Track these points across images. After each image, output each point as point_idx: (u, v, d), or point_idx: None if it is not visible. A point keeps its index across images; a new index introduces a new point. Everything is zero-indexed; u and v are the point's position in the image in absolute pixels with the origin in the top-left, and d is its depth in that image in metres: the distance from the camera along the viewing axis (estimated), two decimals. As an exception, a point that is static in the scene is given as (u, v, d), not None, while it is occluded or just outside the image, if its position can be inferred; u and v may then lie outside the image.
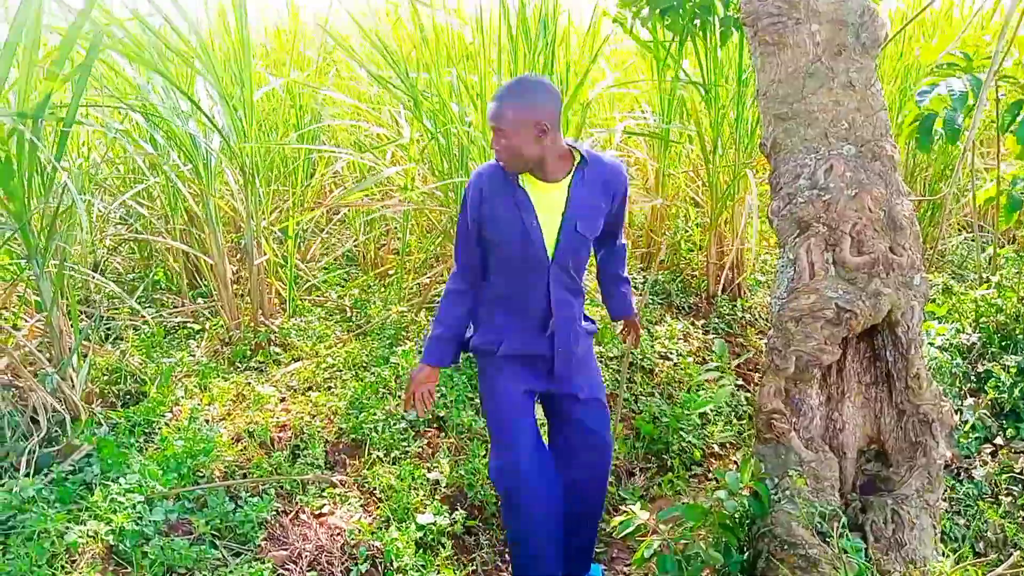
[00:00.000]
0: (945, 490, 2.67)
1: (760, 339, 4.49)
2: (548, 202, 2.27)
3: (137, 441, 2.89)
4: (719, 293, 4.83)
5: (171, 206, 4.39)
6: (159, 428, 3.00)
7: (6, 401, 2.71)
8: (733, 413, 3.86)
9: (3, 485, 2.42)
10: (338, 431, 3.18)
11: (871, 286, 2.29)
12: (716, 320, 4.63)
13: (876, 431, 2.49)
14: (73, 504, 2.45)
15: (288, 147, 4.67)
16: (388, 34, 5.06)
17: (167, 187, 4.32)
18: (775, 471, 2.40)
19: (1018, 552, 2.46)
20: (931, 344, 3.51)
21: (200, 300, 4.48)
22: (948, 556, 2.46)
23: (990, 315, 3.70)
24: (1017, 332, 3.56)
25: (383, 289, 4.57)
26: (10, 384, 2.78)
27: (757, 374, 4.09)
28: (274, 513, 2.66)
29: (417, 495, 2.86)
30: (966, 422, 3.22)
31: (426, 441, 3.24)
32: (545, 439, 2.64)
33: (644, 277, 4.80)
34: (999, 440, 3.22)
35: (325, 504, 2.81)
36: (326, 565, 2.55)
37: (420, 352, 3.70)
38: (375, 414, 3.20)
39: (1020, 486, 2.97)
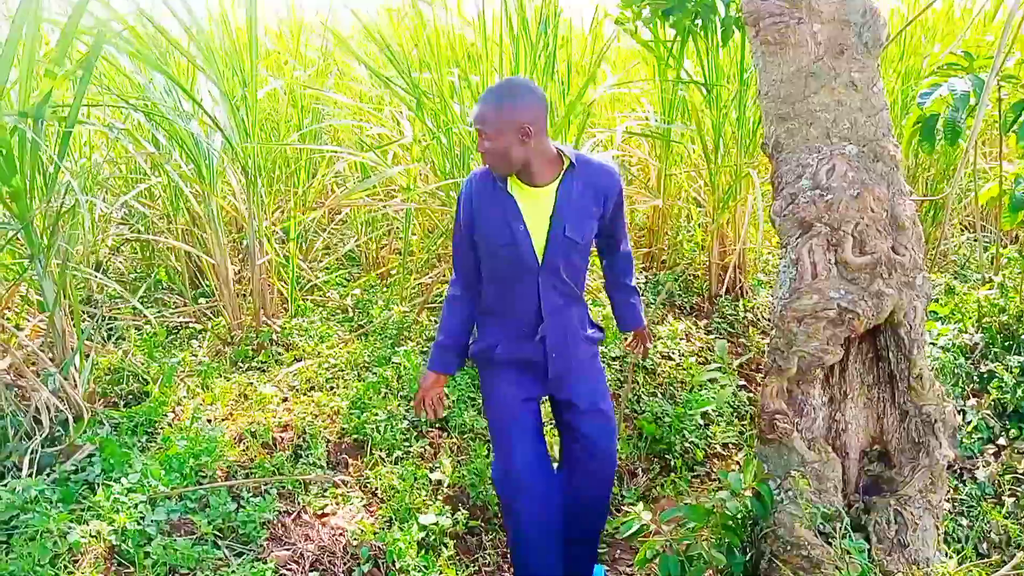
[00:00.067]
0: (948, 491, 2.66)
1: (762, 339, 4.49)
2: (536, 207, 2.26)
3: (139, 441, 2.89)
4: (721, 293, 4.83)
5: (173, 206, 4.40)
6: (161, 428, 3.01)
7: (9, 401, 2.71)
8: (735, 414, 3.86)
9: (6, 485, 2.42)
10: (340, 431, 3.18)
11: (873, 286, 2.29)
12: (718, 320, 4.63)
13: (879, 432, 2.49)
14: (75, 504, 2.45)
15: (290, 147, 4.68)
16: (390, 35, 5.06)
17: (169, 187, 4.32)
18: (778, 472, 2.40)
19: (1021, 553, 2.46)
20: (934, 344, 3.50)
21: (202, 300, 4.49)
22: (951, 557, 2.45)
23: (993, 315, 3.69)
24: (1020, 332, 3.56)
25: (385, 289, 4.57)
26: (13, 384, 2.78)
27: (759, 374, 4.09)
28: (276, 513, 2.66)
29: (419, 495, 2.86)
30: (969, 423, 3.22)
31: (428, 441, 3.24)
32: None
33: (647, 278, 4.80)
34: (1002, 441, 3.21)
35: (327, 504, 2.81)
36: (328, 565, 2.55)
37: (422, 352, 3.72)
38: (377, 414, 3.20)
39: (1023, 487, 2.97)
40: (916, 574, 2.28)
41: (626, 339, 2.85)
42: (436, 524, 2.73)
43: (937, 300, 4.01)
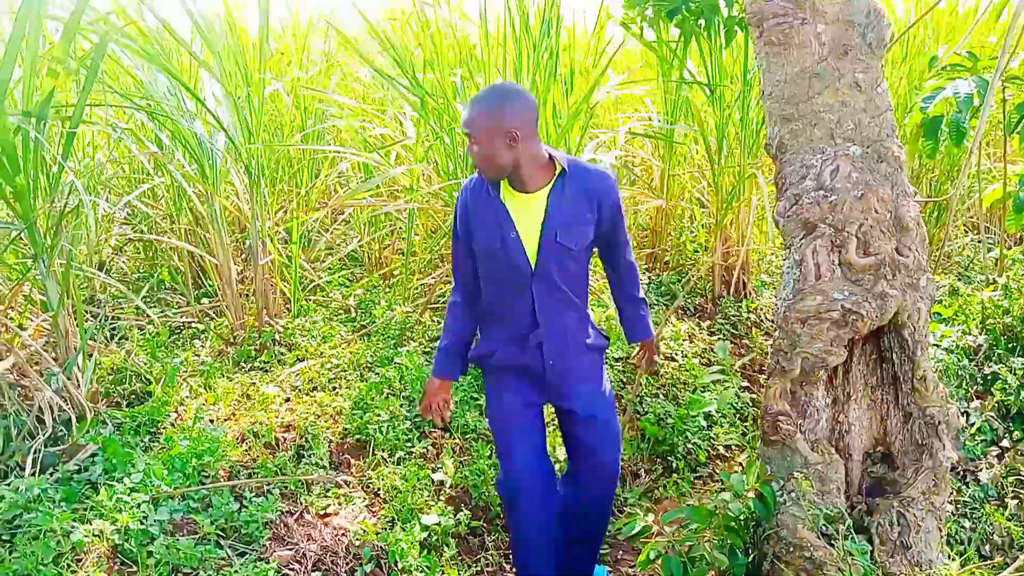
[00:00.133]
0: (951, 493, 2.66)
1: (766, 340, 4.48)
2: (527, 213, 2.26)
3: (142, 441, 2.89)
4: (724, 294, 4.82)
5: (176, 206, 4.41)
6: (164, 428, 3.01)
7: (12, 400, 2.72)
8: (738, 415, 3.85)
9: (9, 484, 2.43)
10: (343, 431, 3.18)
11: (877, 287, 2.29)
12: (721, 321, 4.62)
13: (882, 433, 2.48)
14: (78, 503, 2.46)
15: (293, 147, 4.68)
16: (393, 36, 5.06)
17: (172, 187, 4.33)
18: (780, 473, 2.40)
19: (1025, 555, 2.45)
20: (937, 346, 3.50)
21: (205, 300, 4.49)
22: (954, 559, 2.44)
23: (997, 317, 3.68)
24: (1024, 334, 3.55)
25: (388, 289, 4.57)
26: (16, 383, 2.79)
27: (762, 375, 4.08)
28: (279, 513, 2.66)
29: (422, 496, 2.86)
30: (972, 424, 3.21)
31: (431, 442, 3.24)
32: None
33: (650, 279, 4.79)
34: (1006, 443, 3.20)
35: (330, 504, 2.81)
36: (331, 565, 2.55)
37: (424, 352, 3.72)
38: (380, 414, 3.20)
39: (1027, 489, 2.96)
40: (919, 576, 2.27)
41: (634, 350, 2.79)
42: (438, 524, 2.73)
43: (941, 302, 4.00)
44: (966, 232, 6.11)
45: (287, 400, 3.38)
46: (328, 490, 2.87)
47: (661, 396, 3.80)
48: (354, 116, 4.90)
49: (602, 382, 2.48)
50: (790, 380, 2.39)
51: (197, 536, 2.44)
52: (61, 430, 2.76)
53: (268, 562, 2.42)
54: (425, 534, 2.69)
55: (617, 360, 3.90)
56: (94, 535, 2.30)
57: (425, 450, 3.17)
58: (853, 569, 2.16)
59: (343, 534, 2.67)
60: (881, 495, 2.43)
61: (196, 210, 4.22)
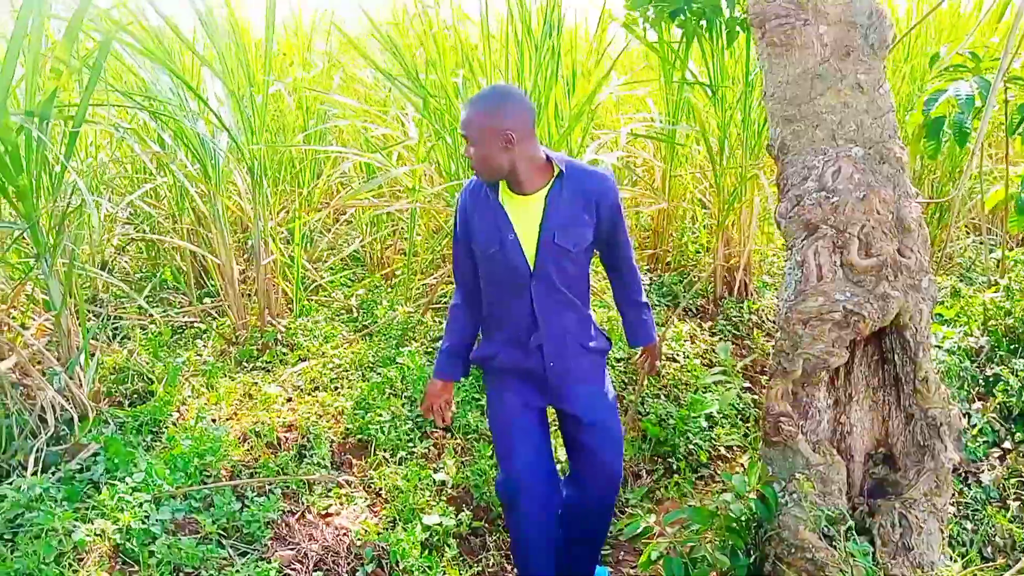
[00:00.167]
0: (953, 494, 2.65)
1: (767, 341, 4.48)
2: (525, 215, 2.26)
3: (144, 440, 2.90)
4: (726, 295, 4.82)
5: (179, 206, 4.41)
6: (166, 427, 3.01)
7: (14, 400, 2.72)
8: (740, 416, 3.85)
9: (11, 483, 2.43)
10: (344, 431, 3.18)
11: (879, 289, 2.28)
12: (723, 322, 4.62)
13: (884, 434, 2.48)
14: (80, 502, 2.46)
15: (296, 147, 4.68)
16: (395, 37, 5.07)
17: (175, 187, 4.33)
18: (782, 474, 2.40)
19: (1026, 557, 2.45)
20: (939, 347, 3.49)
21: (207, 300, 4.50)
22: (956, 561, 2.44)
23: (999, 318, 3.68)
24: (1026, 335, 3.55)
25: (389, 289, 4.57)
26: (18, 383, 2.79)
27: (764, 376, 4.08)
28: (280, 513, 2.66)
29: (423, 496, 2.86)
30: (974, 426, 3.21)
31: (432, 442, 3.24)
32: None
33: (651, 279, 4.79)
34: (1007, 444, 3.20)
35: (331, 504, 2.81)
36: (332, 565, 2.56)
37: (426, 352, 3.72)
38: (381, 414, 3.20)
39: (1029, 490, 2.96)
40: (921, 577, 2.27)
41: (636, 354, 2.77)
42: (440, 524, 2.73)
43: (943, 303, 4.00)
44: (968, 233, 6.10)
45: (289, 400, 3.38)
46: (330, 490, 2.87)
47: (663, 397, 3.80)
48: (356, 116, 4.90)
49: (603, 384, 2.46)
50: (792, 381, 2.39)
51: (199, 536, 2.44)
52: (63, 429, 2.76)
53: (270, 562, 2.42)
54: (426, 534, 2.69)
55: (619, 361, 3.90)
56: (96, 534, 2.30)
57: (427, 450, 3.17)
58: (855, 570, 2.16)
59: (345, 534, 2.67)
60: (883, 496, 2.42)
61: (198, 210, 4.22)
